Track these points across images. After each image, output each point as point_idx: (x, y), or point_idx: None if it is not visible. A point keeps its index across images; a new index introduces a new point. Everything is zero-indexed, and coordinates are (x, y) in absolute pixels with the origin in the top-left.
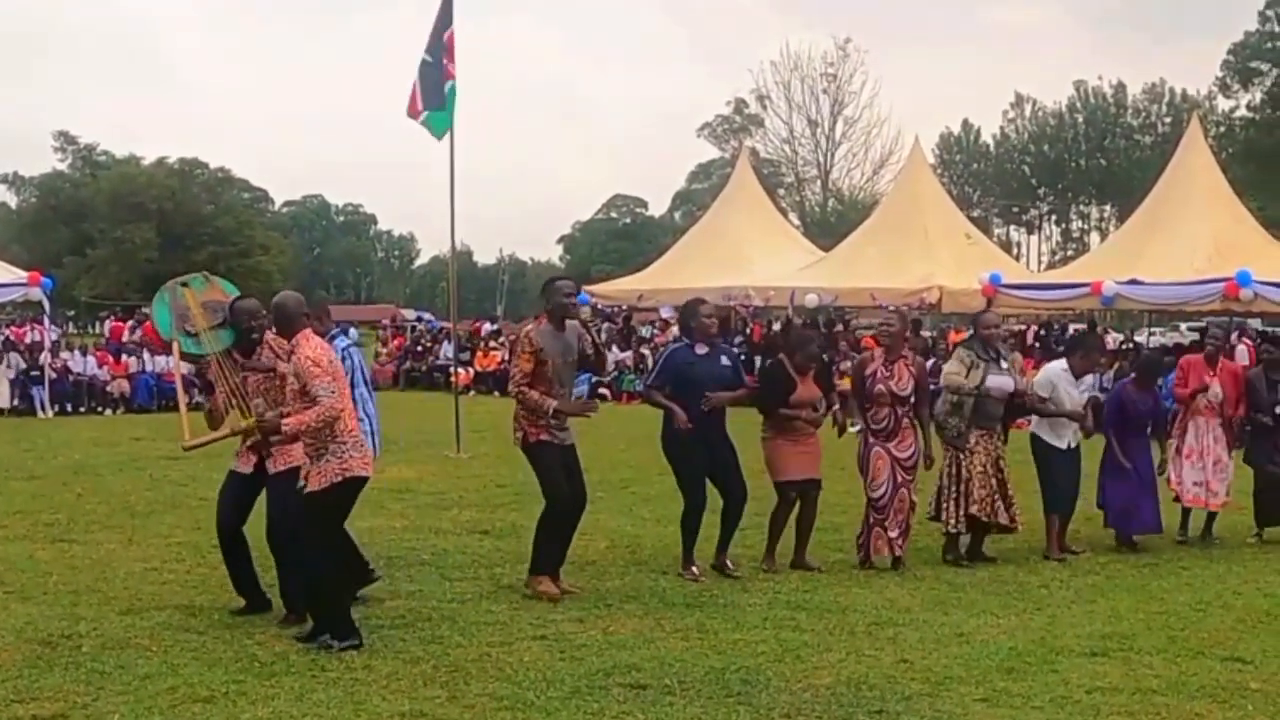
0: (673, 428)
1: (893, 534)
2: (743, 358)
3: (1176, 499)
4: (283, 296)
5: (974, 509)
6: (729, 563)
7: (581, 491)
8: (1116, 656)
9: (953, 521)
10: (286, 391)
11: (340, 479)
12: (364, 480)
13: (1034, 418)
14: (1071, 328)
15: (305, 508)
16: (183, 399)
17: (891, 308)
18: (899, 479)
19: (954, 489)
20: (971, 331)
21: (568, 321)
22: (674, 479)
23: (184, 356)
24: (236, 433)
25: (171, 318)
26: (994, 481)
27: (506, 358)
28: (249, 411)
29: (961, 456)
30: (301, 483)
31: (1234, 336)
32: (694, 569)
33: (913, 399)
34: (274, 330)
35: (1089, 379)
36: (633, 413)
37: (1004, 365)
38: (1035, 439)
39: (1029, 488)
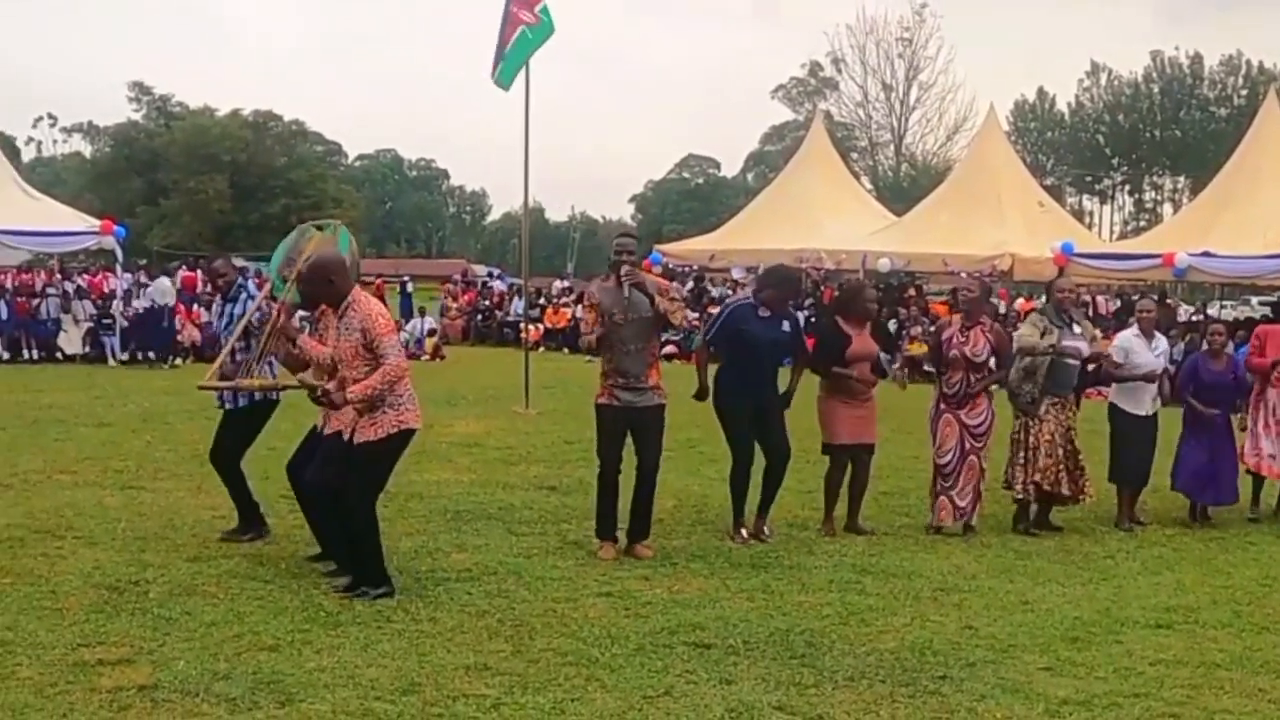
0: (726, 381)
1: (961, 502)
2: (812, 319)
3: (1249, 472)
4: (326, 254)
5: (1037, 477)
6: (766, 529)
7: (645, 458)
8: (1181, 629)
9: (1019, 488)
10: (344, 348)
11: (396, 430)
12: (414, 433)
13: (1112, 387)
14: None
15: (356, 457)
16: (230, 343)
17: (964, 274)
18: (967, 446)
19: (1022, 456)
20: (1044, 298)
21: (648, 281)
22: (724, 435)
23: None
24: (244, 387)
25: (283, 257)
26: (1060, 451)
27: (577, 315)
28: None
29: (1030, 423)
30: (348, 433)
31: None
32: (743, 533)
33: (988, 366)
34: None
35: (1163, 345)
36: None
37: (1076, 330)
38: (1113, 408)
39: (1100, 458)
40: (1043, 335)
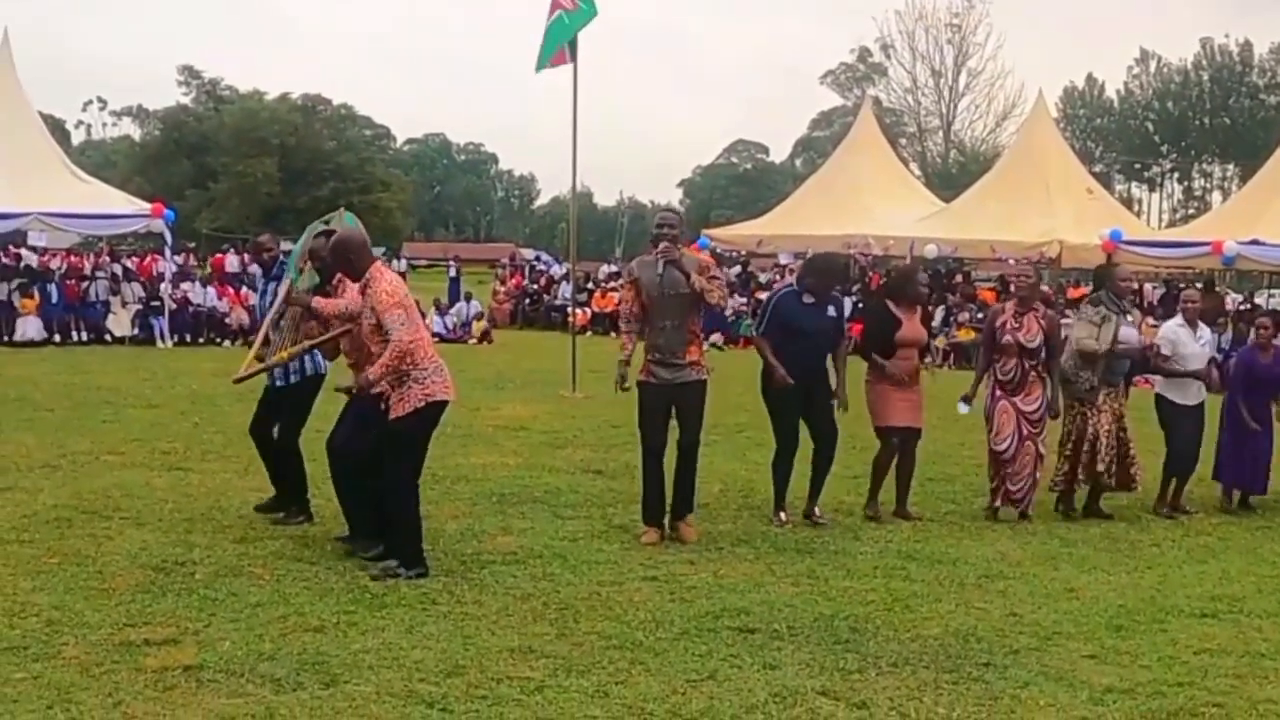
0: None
1: (1012, 487)
2: (859, 305)
3: None
4: (346, 233)
5: (1100, 467)
6: (817, 511)
7: (686, 435)
8: (1226, 618)
9: (1059, 479)
10: (364, 327)
11: (424, 403)
12: (445, 404)
13: (1158, 378)
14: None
15: (389, 434)
16: (260, 334)
17: (1012, 260)
18: (1024, 432)
19: (1070, 446)
20: (1092, 286)
21: (685, 258)
22: (770, 421)
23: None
24: (274, 364)
25: (298, 256)
26: (1116, 440)
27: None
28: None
29: (1089, 413)
30: (384, 407)
31: None
32: (782, 515)
33: (1042, 352)
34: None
35: (1207, 334)
36: (749, 357)
37: (1129, 319)
38: (1160, 399)
39: (1146, 447)
40: (1099, 328)
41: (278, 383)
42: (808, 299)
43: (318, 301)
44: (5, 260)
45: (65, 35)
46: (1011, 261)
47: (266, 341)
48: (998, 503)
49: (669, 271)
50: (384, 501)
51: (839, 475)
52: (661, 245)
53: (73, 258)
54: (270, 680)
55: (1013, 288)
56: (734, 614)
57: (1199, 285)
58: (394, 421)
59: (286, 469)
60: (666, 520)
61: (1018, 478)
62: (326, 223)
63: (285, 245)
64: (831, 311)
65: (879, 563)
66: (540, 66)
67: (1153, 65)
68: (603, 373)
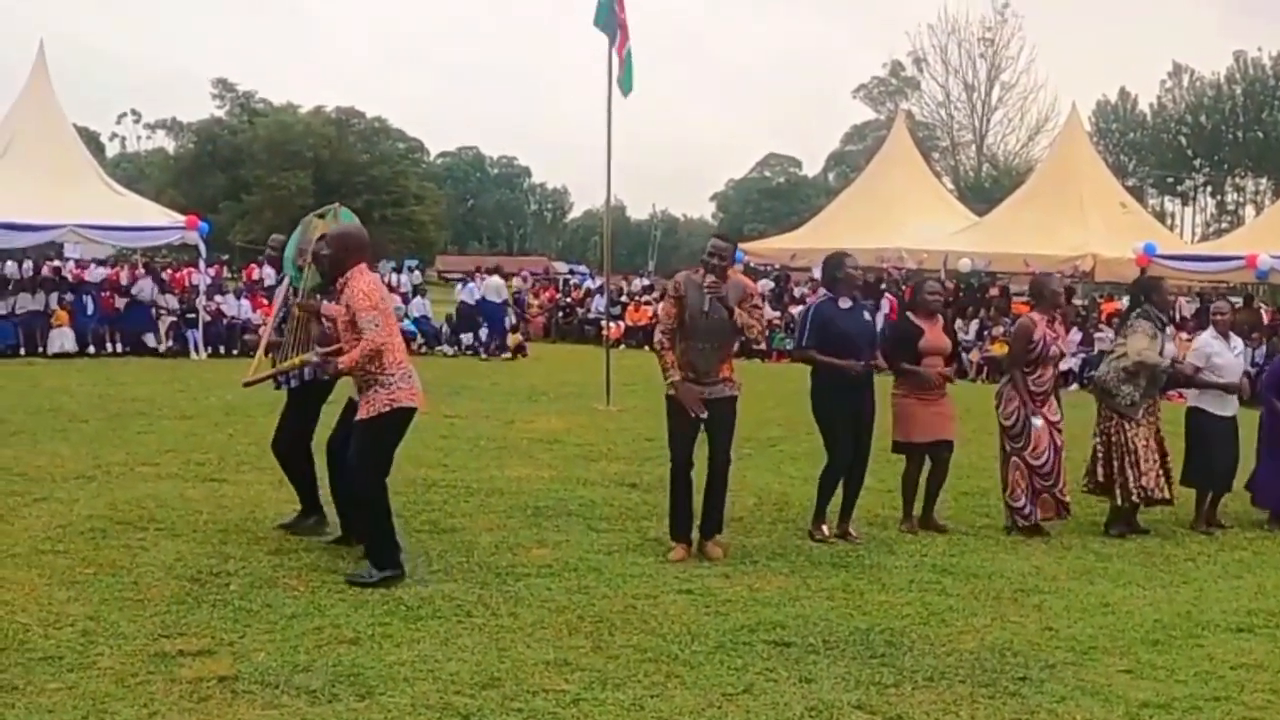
0: (824, 384)
1: (1065, 498)
2: (893, 319)
3: None
4: (349, 226)
5: (1145, 480)
6: (852, 530)
7: (715, 450)
8: (1262, 633)
9: (1135, 494)
10: (339, 324)
11: (388, 409)
12: (412, 411)
13: (1193, 390)
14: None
15: (355, 436)
16: (265, 337)
17: (1039, 273)
18: (1058, 443)
19: (1120, 459)
20: (1129, 300)
21: (731, 288)
22: (821, 438)
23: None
24: (281, 370)
25: (294, 251)
26: (1155, 456)
27: (657, 312)
28: (296, 353)
29: (1128, 427)
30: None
31: None
32: (824, 528)
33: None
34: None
35: (1240, 345)
36: (782, 371)
37: (1169, 332)
38: (1197, 411)
39: (1177, 461)
40: (1152, 339)
41: (290, 383)
42: (844, 303)
43: (327, 308)
44: (45, 273)
45: (100, 48)
46: (1038, 273)
47: (273, 343)
48: (1045, 515)
49: (714, 304)
50: (353, 504)
51: (873, 489)
52: (709, 281)
53: (111, 271)
54: (305, 692)
55: (1046, 293)
56: (769, 628)
57: (1232, 299)
58: (359, 424)
59: (294, 473)
60: (695, 536)
61: (1064, 489)
62: (322, 216)
63: None
64: (867, 315)
65: (914, 576)
66: (628, 89)
67: (1185, 79)
68: (637, 386)
